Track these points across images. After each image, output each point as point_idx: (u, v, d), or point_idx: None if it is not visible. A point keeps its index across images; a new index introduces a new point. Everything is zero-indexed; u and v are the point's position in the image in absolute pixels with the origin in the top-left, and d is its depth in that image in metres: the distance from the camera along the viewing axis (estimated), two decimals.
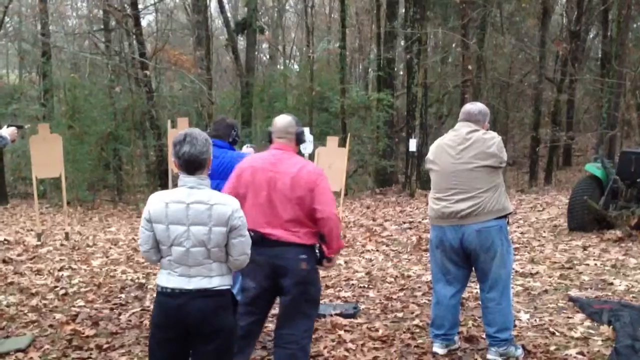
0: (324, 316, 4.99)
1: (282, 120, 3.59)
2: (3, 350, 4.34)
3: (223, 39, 18.33)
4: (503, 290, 4.03)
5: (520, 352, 4.07)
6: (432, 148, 4.24)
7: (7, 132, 4.87)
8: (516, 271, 6.16)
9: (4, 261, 7.19)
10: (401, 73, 16.11)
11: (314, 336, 4.57)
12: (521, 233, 8.29)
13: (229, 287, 2.82)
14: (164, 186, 13.91)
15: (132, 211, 12.51)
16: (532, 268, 6.43)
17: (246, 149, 5.36)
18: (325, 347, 4.36)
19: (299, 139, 3.61)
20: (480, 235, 3.92)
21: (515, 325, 4.29)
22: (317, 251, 3.51)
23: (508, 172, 13.87)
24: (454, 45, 15.60)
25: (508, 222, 4.08)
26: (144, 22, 15.80)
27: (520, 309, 5.04)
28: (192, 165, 2.71)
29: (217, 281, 2.75)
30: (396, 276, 6.32)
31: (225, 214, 2.70)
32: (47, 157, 8.55)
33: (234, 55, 15.64)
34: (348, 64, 14.99)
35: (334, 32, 18.62)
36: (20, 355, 4.29)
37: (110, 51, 14.36)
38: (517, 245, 7.37)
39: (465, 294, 5.01)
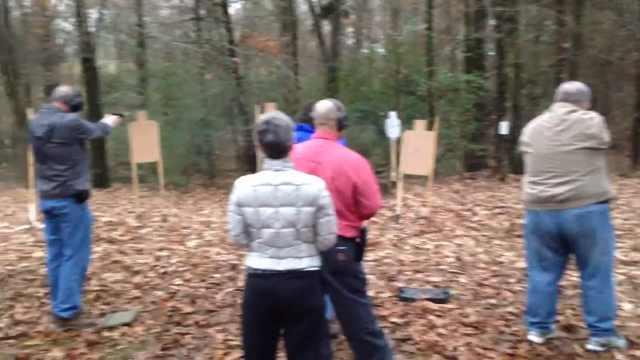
0: (414, 300, 4.97)
1: (323, 106, 3.52)
2: (111, 324, 4.64)
3: (308, 24, 18.42)
4: (605, 277, 3.86)
5: (622, 342, 3.90)
6: (527, 130, 4.10)
7: (111, 120, 5.16)
8: (618, 259, 5.86)
9: (109, 241, 7.63)
10: (491, 53, 15.59)
11: (403, 320, 4.58)
12: (624, 219, 7.87)
13: (318, 268, 2.87)
14: (253, 171, 14.21)
15: (223, 195, 12.90)
16: (636, 256, 6.11)
17: None
18: (415, 331, 4.36)
19: (341, 125, 3.54)
20: (580, 220, 3.76)
21: (617, 315, 4.09)
22: (358, 242, 3.46)
23: (609, 155, 13.16)
24: (548, 22, 14.91)
25: (609, 208, 3.89)
26: (231, 10, 16.13)
27: (623, 298, 4.81)
28: (276, 151, 2.79)
29: (307, 262, 2.81)
30: (488, 262, 6.18)
31: (312, 193, 2.76)
32: (145, 143, 8.96)
33: (319, 40, 15.68)
34: (435, 45, 14.66)
35: (420, 14, 18.28)
36: (126, 329, 4.56)
37: (200, 40, 14.79)
38: (620, 232, 7.00)
39: (562, 282, 4.83)
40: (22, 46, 18.15)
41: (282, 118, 2.84)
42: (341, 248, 3.33)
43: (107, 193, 13.96)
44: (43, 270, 6.10)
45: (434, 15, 14.71)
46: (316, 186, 2.79)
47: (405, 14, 18.76)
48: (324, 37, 15.79)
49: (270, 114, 2.87)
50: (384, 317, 4.60)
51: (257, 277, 2.83)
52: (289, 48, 14.15)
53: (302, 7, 18.76)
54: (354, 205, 3.39)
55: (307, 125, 4.21)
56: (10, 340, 4.39)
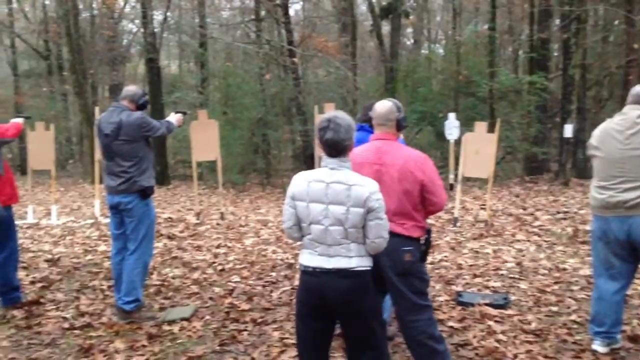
0: (472, 305, 4.87)
1: (383, 107, 3.47)
2: (170, 318, 4.74)
3: (367, 25, 18.36)
4: None
5: None
6: (597, 133, 3.94)
7: (174, 118, 5.27)
8: None
9: (168, 237, 7.81)
10: (555, 54, 15.15)
11: (461, 324, 4.49)
12: None
13: (368, 268, 2.85)
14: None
15: (279, 194, 13.02)
16: None
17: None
18: (474, 337, 4.26)
19: (400, 126, 3.49)
20: None
21: None
22: (422, 244, 3.42)
23: None
24: (616, 22, 14.36)
25: None
26: (291, 11, 16.26)
27: None
28: (334, 149, 2.79)
29: (356, 262, 2.80)
30: (550, 268, 6.00)
31: (363, 195, 2.74)
32: (205, 141, 9.13)
33: (378, 40, 15.60)
34: (497, 46, 14.36)
35: (482, 13, 17.94)
36: (185, 323, 4.65)
37: (260, 40, 14.97)
38: None
39: (629, 291, 4.63)
40: (90, 47, 18.86)
41: (344, 117, 2.84)
42: (408, 248, 3.31)
43: (167, 190, 14.32)
44: (107, 264, 6.31)
45: (497, 15, 14.40)
46: (368, 188, 2.76)
47: (466, 14, 18.45)
48: (383, 38, 15.70)
49: (333, 112, 2.88)
50: (441, 321, 4.52)
51: (308, 274, 2.84)
52: (348, 48, 14.14)
53: (361, 7, 18.74)
54: (420, 204, 3.36)
55: (367, 126, 4.18)
56: (75, 331, 4.54)
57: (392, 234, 3.23)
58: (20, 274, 5.46)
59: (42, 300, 5.21)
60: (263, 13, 15.38)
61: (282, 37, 14.58)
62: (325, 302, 2.80)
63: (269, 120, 14.33)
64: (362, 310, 2.81)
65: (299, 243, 2.95)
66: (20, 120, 5.50)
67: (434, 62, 16.44)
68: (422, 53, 19.65)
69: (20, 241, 5.37)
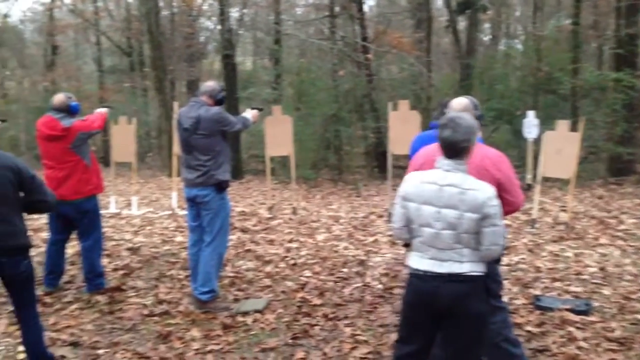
0: (551, 310, 4.70)
1: (459, 104, 3.38)
2: (244, 310, 4.82)
3: (443, 20, 18.04)
4: None
5: None
6: None
7: (250, 114, 5.35)
8: None
9: (242, 230, 7.96)
10: None
11: (539, 329, 4.34)
12: None
13: (481, 274, 2.76)
14: (381, 168, 14.21)
15: (350, 191, 13.00)
16: None
17: None
18: (554, 343, 4.11)
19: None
20: None
21: None
22: None
23: None
24: None
25: None
26: (365, 7, 16.19)
27: None
28: (450, 149, 2.71)
29: (469, 267, 2.72)
30: (635, 274, 5.70)
31: (478, 200, 2.65)
32: (279, 137, 9.23)
33: (454, 36, 15.30)
34: (581, 41, 13.75)
35: (565, 7, 17.24)
36: (258, 315, 4.73)
37: (334, 36, 14.98)
38: None
39: None
40: (169, 44, 19.44)
41: (466, 118, 2.76)
42: None
43: (240, 184, 14.57)
44: (184, 254, 6.49)
45: (581, 10, 13.80)
46: (484, 193, 2.68)
47: (548, 8, 17.79)
48: (459, 33, 15.38)
49: (457, 113, 2.83)
50: (518, 325, 4.39)
51: (417, 278, 2.80)
52: (423, 45, 13.92)
53: (437, 2, 18.43)
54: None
55: None
56: (154, 317, 4.70)
57: None
58: (104, 261, 5.70)
59: (123, 287, 5.42)
60: (337, 9, 15.37)
61: (356, 33, 14.54)
62: (435, 307, 2.75)
63: (341, 116, 14.32)
64: (475, 315, 2.74)
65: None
66: (104, 110, 5.74)
67: (512, 58, 15.95)
68: (499, 49, 19.12)
69: (103, 230, 5.59)
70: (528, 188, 8.85)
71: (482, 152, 3.30)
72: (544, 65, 13.33)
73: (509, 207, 3.28)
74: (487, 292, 2.82)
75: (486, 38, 20.90)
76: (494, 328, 3.31)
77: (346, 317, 4.71)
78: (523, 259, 6.32)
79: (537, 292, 5.20)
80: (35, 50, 24.35)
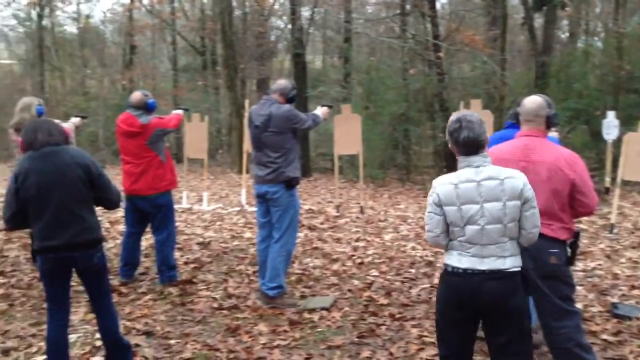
0: (630, 319, 4.50)
1: (533, 102, 3.32)
2: (311, 306, 4.85)
3: (518, 17, 17.53)
4: None
5: None
6: None
7: (320, 111, 5.37)
8: None
9: (309, 228, 8.01)
10: None
11: (616, 338, 4.17)
12: None
13: (519, 268, 2.78)
14: (450, 168, 13.99)
15: (418, 191, 12.86)
16: None
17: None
18: (631, 352, 3.95)
19: (550, 123, 3.30)
20: None
21: None
22: (568, 249, 3.24)
23: None
24: None
25: None
26: (437, 4, 15.92)
27: None
28: (473, 146, 2.76)
29: (510, 262, 2.73)
30: None
31: (518, 186, 2.71)
32: (348, 135, 9.23)
33: (530, 33, 14.83)
34: None
35: None
36: (324, 313, 4.75)
37: (405, 35, 14.85)
38: None
39: None
40: (241, 43, 19.82)
41: (473, 114, 2.84)
42: (553, 251, 3.17)
43: (307, 182, 14.67)
44: (252, 250, 6.61)
45: None
46: (521, 179, 2.74)
47: (631, 4, 16.98)
48: (536, 31, 14.91)
49: (460, 112, 2.88)
50: (593, 334, 4.22)
51: (456, 276, 2.78)
52: (497, 42, 13.58)
53: None
54: (569, 204, 3.21)
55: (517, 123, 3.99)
56: (223, 311, 4.80)
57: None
58: (176, 254, 5.87)
59: (194, 280, 5.57)
60: (408, 7, 15.22)
61: (428, 31, 14.34)
62: (476, 304, 2.75)
63: (410, 115, 14.19)
64: (514, 311, 2.74)
65: None
66: (180, 111, 5.92)
67: (592, 56, 15.33)
68: (578, 47, 18.40)
69: (176, 224, 5.76)
70: (606, 191, 8.49)
71: (556, 151, 3.23)
72: (625, 63, 12.76)
73: (582, 209, 3.20)
74: (524, 286, 2.82)
75: (564, 35, 20.15)
76: (565, 332, 3.22)
77: (413, 318, 4.66)
78: (600, 265, 6.06)
79: (615, 300, 4.97)
80: (114, 49, 25.36)
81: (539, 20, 16.60)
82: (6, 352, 3.91)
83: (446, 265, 2.85)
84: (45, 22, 23.43)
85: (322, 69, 23.29)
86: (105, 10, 30.01)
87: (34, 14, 23.49)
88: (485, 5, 15.55)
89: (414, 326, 4.49)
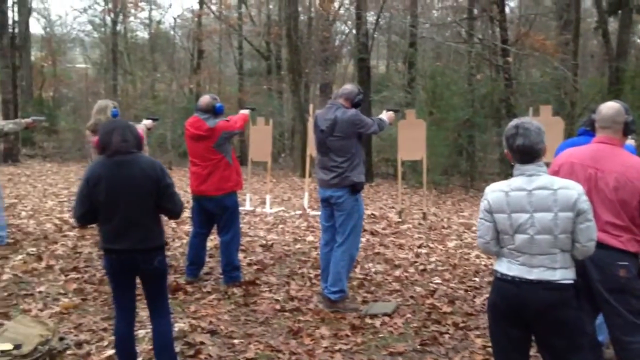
0: None
1: (610, 108, 3.20)
2: (373, 312, 4.83)
3: (591, 21, 16.97)
4: None
5: None
6: None
7: (386, 115, 5.35)
8: None
9: (371, 233, 7.98)
10: None
11: None
12: None
13: (572, 281, 2.69)
14: None
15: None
16: None
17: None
18: None
19: (628, 130, 3.17)
20: None
21: None
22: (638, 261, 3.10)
23: None
24: None
25: None
26: (507, 8, 15.60)
27: None
28: (528, 154, 2.70)
29: (560, 274, 2.66)
30: None
31: (571, 198, 2.63)
32: (412, 141, 9.15)
33: (603, 38, 14.34)
34: None
35: None
36: (386, 318, 4.71)
37: (472, 39, 14.61)
38: None
39: None
40: (306, 47, 20.02)
41: (531, 121, 2.77)
42: (623, 264, 3.06)
43: (369, 187, 14.64)
44: (314, 254, 6.64)
45: None
46: (575, 190, 2.66)
47: None
48: (610, 35, 14.37)
49: (518, 119, 2.83)
50: None
51: (505, 282, 2.76)
52: (568, 47, 13.17)
53: (585, 2, 17.36)
54: (639, 217, 3.07)
55: (591, 130, 3.87)
56: (286, 313, 4.84)
57: (605, 246, 3.02)
58: (240, 255, 5.96)
59: (257, 281, 5.64)
60: (476, 11, 14.99)
61: (496, 36, 14.07)
62: (523, 313, 2.71)
63: (476, 121, 13.95)
64: (566, 324, 2.67)
65: None
66: (246, 111, 6.01)
67: None
68: None
69: (240, 226, 5.85)
70: None
71: (627, 161, 3.13)
72: None
73: None
74: (577, 299, 2.72)
75: (639, 40, 19.36)
76: (636, 347, 3.09)
77: (477, 328, 4.57)
78: None
79: None
80: (183, 54, 26.11)
81: (613, 24, 16.02)
82: (79, 344, 4.07)
83: (496, 271, 2.83)
84: (118, 27, 24.40)
85: (385, 74, 23.23)
86: (176, 16, 30.86)
87: (108, 20, 24.53)
88: (557, 8, 15.10)
89: (478, 336, 4.40)
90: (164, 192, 3.34)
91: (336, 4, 21.74)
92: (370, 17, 19.09)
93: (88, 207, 3.32)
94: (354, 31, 18.66)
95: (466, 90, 14.21)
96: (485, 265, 6.38)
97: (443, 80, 14.40)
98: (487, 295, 5.23)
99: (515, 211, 2.70)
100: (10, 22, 19.13)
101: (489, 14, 13.73)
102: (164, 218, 3.52)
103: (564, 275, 2.67)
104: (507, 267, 2.76)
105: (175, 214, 3.51)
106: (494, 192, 2.78)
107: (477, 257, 6.79)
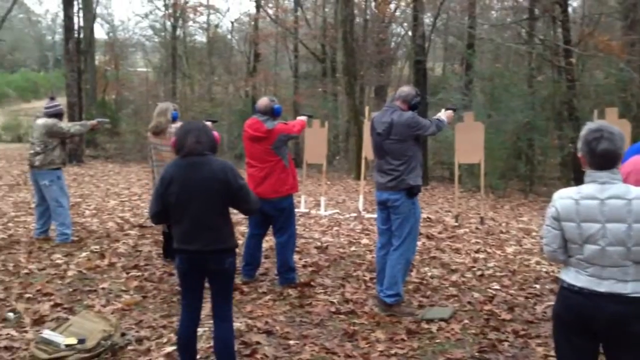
0: None
1: None
2: (429, 317, 4.76)
3: None
4: None
5: None
6: None
7: (445, 115, 5.26)
8: None
9: (427, 237, 7.88)
10: None
11: None
12: None
13: None
14: (578, 180, 13.21)
15: (543, 203, 12.28)
16: None
17: None
18: None
19: None
20: None
21: None
22: None
23: None
24: None
25: None
26: (570, 8, 15.13)
27: None
28: (608, 160, 2.58)
29: (632, 287, 2.52)
30: None
31: None
32: (469, 144, 8.99)
33: None
34: None
35: None
36: (443, 324, 4.63)
37: (533, 40, 14.25)
38: None
39: None
40: (361, 50, 19.99)
41: (612, 126, 2.65)
42: None
43: (425, 190, 14.47)
44: (369, 256, 6.60)
45: None
46: None
47: None
48: None
49: (598, 122, 2.71)
50: None
51: (572, 293, 2.64)
52: (635, 47, 12.67)
53: None
54: None
55: None
56: (341, 315, 4.83)
57: None
58: (295, 257, 5.98)
59: (312, 283, 5.64)
60: (537, 11, 14.61)
61: (558, 36, 13.68)
62: (590, 324, 2.59)
63: (536, 124, 13.58)
64: (634, 339, 2.54)
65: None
66: (304, 117, 6.06)
67: None
68: None
69: (295, 227, 5.87)
70: None
71: None
72: None
73: None
74: None
75: None
76: None
77: (538, 336, 4.43)
78: None
79: None
80: (239, 57, 26.51)
81: None
82: (139, 340, 4.17)
83: (562, 280, 2.72)
84: (178, 32, 24.98)
85: (442, 76, 22.93)
86: (233, 20, 31.37)
87: (168, 24, 25.16)
88: (622, 8, 14.55)
89: (539, 345, 4.27)
90: (236, 195, 3.39)
91: (392, 6, 21.64)
92: (427, 18, 18.88)
93: (161, 207, 3.40)
94: (410, 33, 18.51)
95: (526, 92, 13.86)
96: (546, 272, 6.20)
97: (502, 82, 14.09)
98: (549, 303, 5.12)
99: (585, 220, 2.58)
100: (75, 27, 19.85)
101: (551, 14, 13.35)
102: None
103: (636, 288, 2.54)
104: (574, 277, 2.65)
105: (251, 211, 3.61)
106: (563, 199, 2.67)
107: (538, 263, 6.60)
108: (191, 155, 3.35)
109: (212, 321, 3.57)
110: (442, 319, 4.72)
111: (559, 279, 2.74)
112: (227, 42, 28.06)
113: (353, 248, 7.23)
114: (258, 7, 23.12)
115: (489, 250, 7.25)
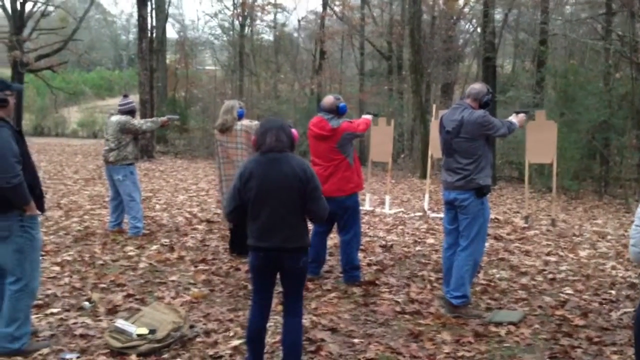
0: None
1: None
2: (497, 320, 4.64)
3: None
4: None
5: None
6: None
7: (517, 119, 5.11)
8: None
9: (495, 238, 7.69)
10: None
11: None
12: None
13: None
14: None
15: (619, 205, 11.76)
16: None
17: None
18: None
19: None
20: None
21: None
22: None
23: None
24: None
25: None
26: None
27: None
28: None
29: None
30: None
31: None
32: (541, 143, 8.70)
33: None
34: None
35: None
36: (512, 328, 4.50)
37: (610, 36, 13.64)
38: None
39: None
40: (428, 47, 19.71)
41: None
42: None
43: (492, 190, 14.12)
44: (435, 256, 6.50)
45: None
46: None
47: None
48: None
49: None
50: None
51: None
52: None
53: None
54: None
55: None
56: (406, 315, 4.77)
57: None
58: (359, 255, 5.95)
59: (377, 282, 5.60)
60: (614, 6, 13.97)
61: (637, 32, 13.04)
62: None
63: (613, 123, 12.99)
64: None
65: None
66: (369, 116, 6.02)
67: None
68: None
69: (360, 225, 5.84)
70: None
71: None
72: None
73: None
74: None
75: None
76: None
77: (614, 344, 4.24)
78: None
79: None
80: (305, 55, 26.66)
81: None
82: (207, 333, 4.25)
83: None
84: (245, 31, 25.37)
85: (511, 73, 22.29)
86: (300, 19, 31.57)
87: (236, 23, 25.58)
88: None
89: (614, 352, 4.08)
90: (310, 195, 3.40)
91: (461, 2, 21.22)
92: (498, 14, 18.40)
93: (239, 203, 3.44)
94: (479, 29, 18.10)
95: (603, 90, 13.28)
96: (622, 278, 5.93)
97: (577, 79, 13.54)
98: (626, 310, 4.90)
99: None
100: (148, 27, 20.48)
101: (630, 9, 12.73)
102: None
103: None
104: None
105: (319, 218, 3.57)
106: None
107: (614, 268, 6.32)
108: (271, 152, 3.39)
109: (276, 317, 3.59)
110: (511, 323, 4.59)
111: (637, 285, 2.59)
112: (294, 40, 28.28)
113: (418, 247, 7.14)
114: (325, 5, 23.16)
115: (560, 253, 7.00)
